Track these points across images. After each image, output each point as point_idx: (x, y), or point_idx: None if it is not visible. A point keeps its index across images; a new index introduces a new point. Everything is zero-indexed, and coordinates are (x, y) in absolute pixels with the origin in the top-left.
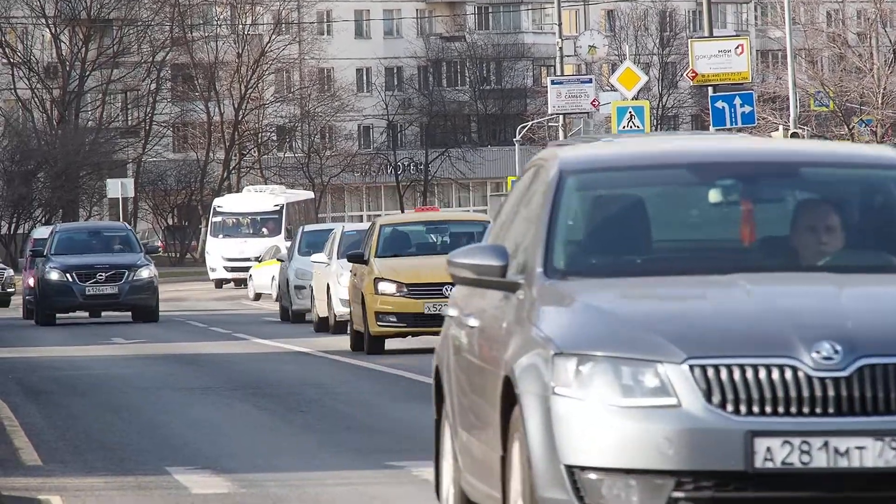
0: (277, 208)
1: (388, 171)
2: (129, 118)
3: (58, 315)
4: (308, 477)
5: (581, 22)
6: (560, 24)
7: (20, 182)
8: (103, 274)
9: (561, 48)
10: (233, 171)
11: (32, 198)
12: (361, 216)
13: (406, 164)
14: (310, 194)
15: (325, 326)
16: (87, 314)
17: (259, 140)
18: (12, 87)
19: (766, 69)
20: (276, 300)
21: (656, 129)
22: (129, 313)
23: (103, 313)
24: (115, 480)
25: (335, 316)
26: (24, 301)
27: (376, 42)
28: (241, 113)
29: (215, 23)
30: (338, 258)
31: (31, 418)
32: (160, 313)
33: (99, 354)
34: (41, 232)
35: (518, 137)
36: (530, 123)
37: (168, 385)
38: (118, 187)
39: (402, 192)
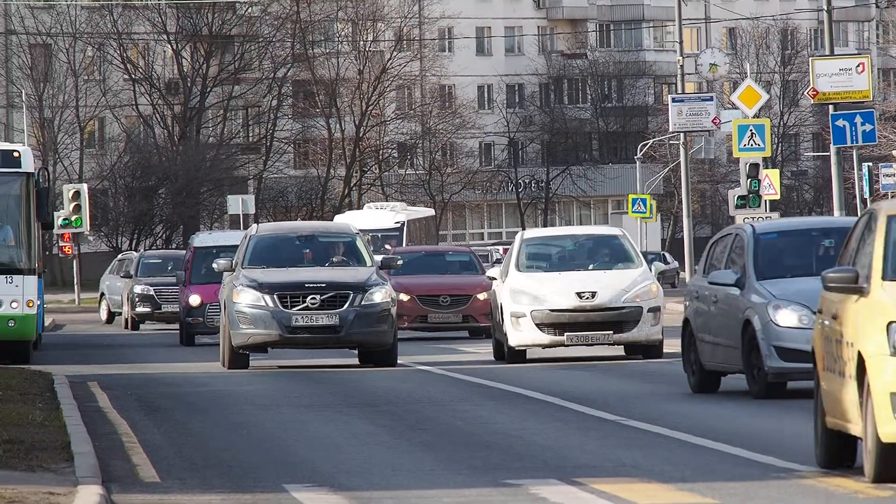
0: (398, 225)
1: (509, 189)
2: (250, 134)
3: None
4: (425, 494)
5: (702, 40)
6: (681, 42)
7: (141, 198)
8: (318, 296)
9: (682, 66)
10: (353, 188)
11: (153, 214)
12: (482, 234)
13: (527, 181)
14: (431, 211)
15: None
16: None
17: (380, 157)
18: (134, 103)
19: (888, 88)
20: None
21: (777, 148)
22: (356, 351)
23: (318, 352)
24: (233, 497)
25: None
26: (183, 324)
27: (497, 59)
28: (361, 129)
29: (336, 39)
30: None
31: (149, 434)
32: None
33: (215, 371)
34: (202, 239)
35: (639, 155)
36: (651, 141)
37: (285, 402)
38: (239, 203)
39: (524, 209)
